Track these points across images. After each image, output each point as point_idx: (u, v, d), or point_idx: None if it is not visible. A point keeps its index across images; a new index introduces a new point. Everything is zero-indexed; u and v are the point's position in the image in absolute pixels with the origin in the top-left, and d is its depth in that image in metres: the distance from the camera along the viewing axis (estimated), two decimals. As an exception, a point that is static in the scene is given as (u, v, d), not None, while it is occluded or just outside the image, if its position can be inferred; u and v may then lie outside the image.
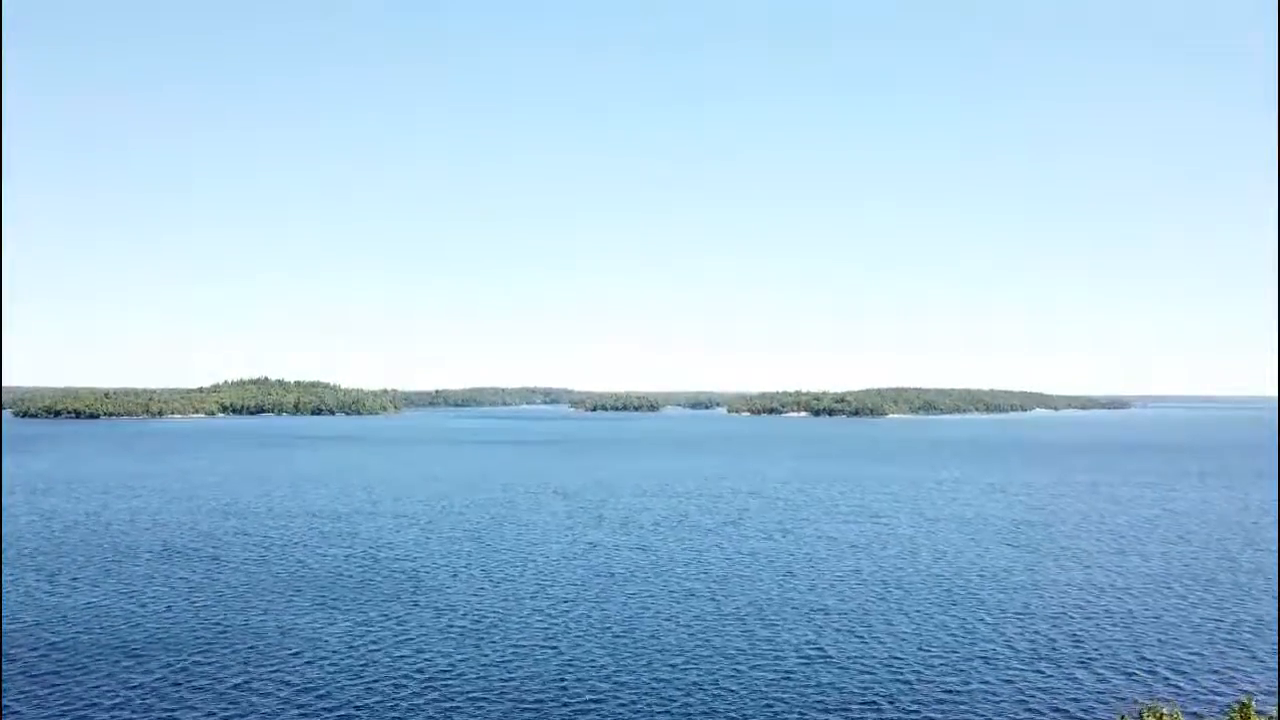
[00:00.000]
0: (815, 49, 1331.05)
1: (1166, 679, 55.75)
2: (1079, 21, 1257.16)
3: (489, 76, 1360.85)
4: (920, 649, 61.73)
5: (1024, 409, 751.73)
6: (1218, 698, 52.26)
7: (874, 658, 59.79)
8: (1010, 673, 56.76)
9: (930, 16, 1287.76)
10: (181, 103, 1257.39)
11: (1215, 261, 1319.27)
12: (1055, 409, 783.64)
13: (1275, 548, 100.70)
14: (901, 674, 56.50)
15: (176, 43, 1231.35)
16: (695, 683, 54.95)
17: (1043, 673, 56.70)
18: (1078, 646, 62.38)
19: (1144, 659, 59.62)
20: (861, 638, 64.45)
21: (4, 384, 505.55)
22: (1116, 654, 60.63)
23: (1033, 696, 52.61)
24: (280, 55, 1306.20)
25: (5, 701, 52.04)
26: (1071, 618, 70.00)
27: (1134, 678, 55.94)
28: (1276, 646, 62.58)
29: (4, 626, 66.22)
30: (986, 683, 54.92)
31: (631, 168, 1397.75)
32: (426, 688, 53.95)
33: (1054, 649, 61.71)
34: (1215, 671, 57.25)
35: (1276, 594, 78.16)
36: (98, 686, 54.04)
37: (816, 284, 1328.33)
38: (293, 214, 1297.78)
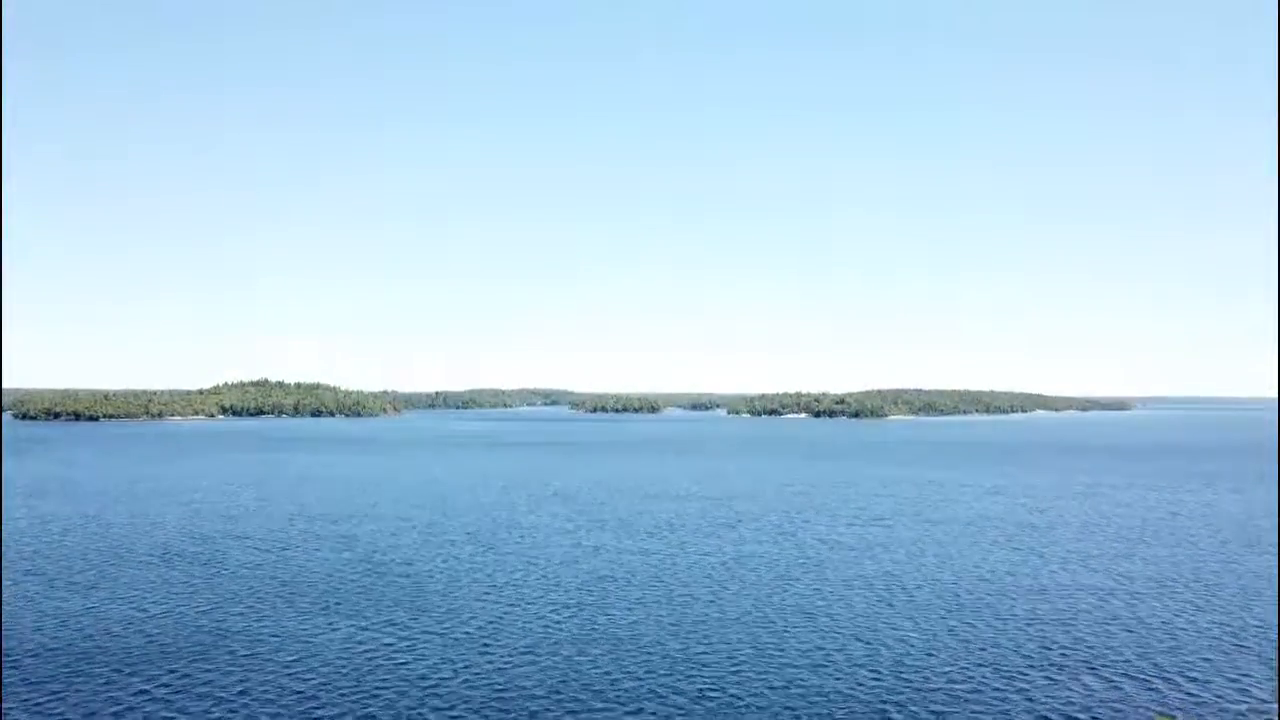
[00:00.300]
0: (816, 54, 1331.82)
1: (1178, 685, 55.16)
2: (1082, 27, 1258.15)
3: (489, 79, 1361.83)
4: (927, 654, 61.14)
5: (1025, 410, 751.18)
6: (1231, 706, 51.70)
7: (880, 663, 59.21)
8: (1020, 679, 56.16)
9: (932, 23, 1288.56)
10: (181, 107, 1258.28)
11: (1215, 262, 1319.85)
12: (1056, 410, 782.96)
13: (1276, 552, 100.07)
14: (910, 680, 55.91)
15: (176, 48, 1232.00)
16: (700, 690, 54.37)
17: (1053, 679, 56.10)
18: (1087, 652, 61.79)
19: (1155, 665, 59.01)
20: (867, 643, 63.86)
21: (4, 386, 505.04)
22: (1127, 660, 60.03)
23: (1043, 704, 52.03)
24: (280, 60, 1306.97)
25: (5, 708, 51.48)
26: (1079, 623, 69.41)
27: (1146, 684, 55.33)
28: (1277, 652, 62.09)
29: (3, 632, 65.60)
30: (996, 690, 54.33)
31: (631, 169, 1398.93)
32: (429, 694, 53.37)
33: (1063, 655, 61.12)
34: (1226, 679, 56.62)
35: (1276, 599, 77.66)
36: (96, 694, 53.45)
37: (817, 285, 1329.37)
38: (293, 216, 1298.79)
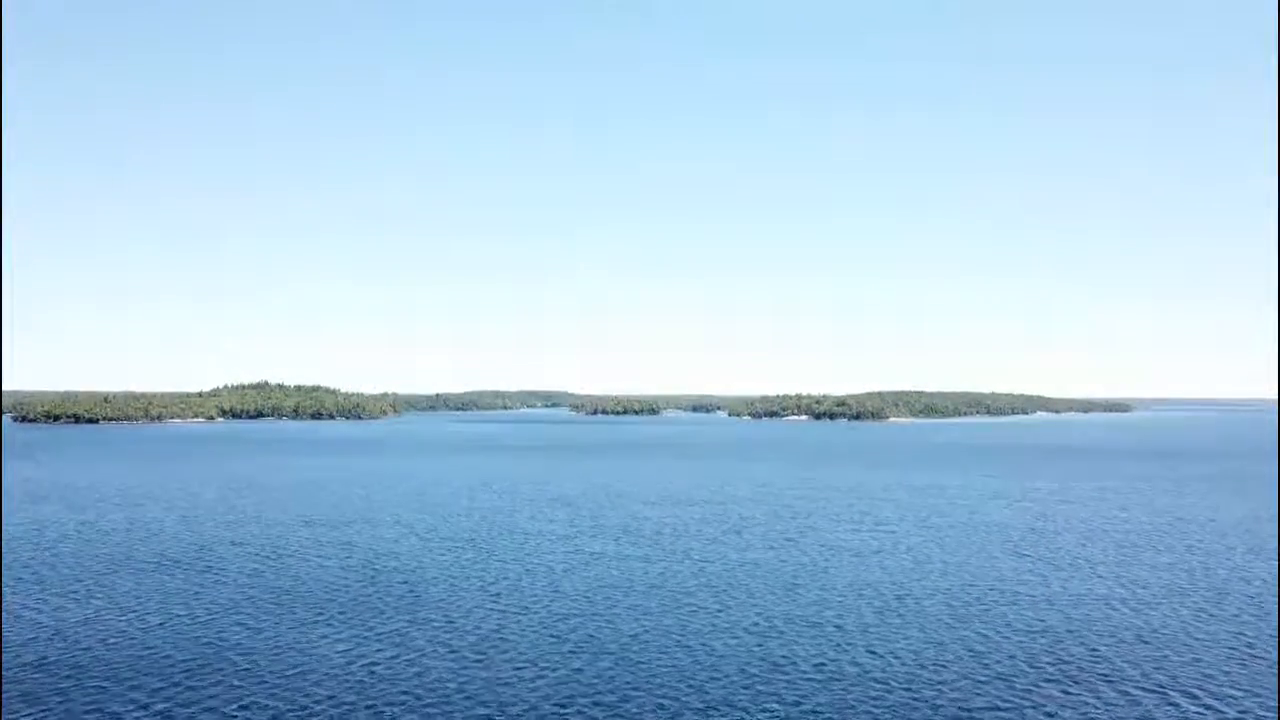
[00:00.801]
0: (815, 55, 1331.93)
1: (1196, 698, 54.02)
2: (1081, 29, 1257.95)
3: (488, 81, 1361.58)
4: (939, 666, 60.04)
5: (1025, 412, 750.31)
6: (1251, 720, 50.64)
7: (892, 676, 58.10)
8: (1035, 692, 55.02)
9: (932, 25, 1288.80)
10: (182, 110, 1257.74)
11: (1215, 263, 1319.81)
12: (1057, 412, 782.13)
13: (1277, 557, 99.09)
14: (922, 694, 54.79)
15: (176, 50, 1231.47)
16: (707, 703, 53.26)
17: (1068, 691, 54.97)
18: (1102, 664, 60.68)
19: (1171, 677, 57.80)
20: (878, 654, 62.74)
21: (4, 388, 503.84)
22: (1145, 672, 58.84)
23: (1058, 716, 50.91)
24: (281, 64, 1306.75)
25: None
26: (1090, 633, 68.26)
27: (1164, 697, 54.17)
28: (1276, 658, 61.31)
29: (2, 643, 64.55)
30: (1011, 703, 53.18)
31: (631, 171, 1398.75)
32: (431, 707, 52.26)
33: (1079, 667, 59.96)
34: (1244, 690, 55.53)
35: (1276, 604, 76.80)
36: (93, 707, 52.35)
37: (817, 287, 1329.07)
38: (293, 218, 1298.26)
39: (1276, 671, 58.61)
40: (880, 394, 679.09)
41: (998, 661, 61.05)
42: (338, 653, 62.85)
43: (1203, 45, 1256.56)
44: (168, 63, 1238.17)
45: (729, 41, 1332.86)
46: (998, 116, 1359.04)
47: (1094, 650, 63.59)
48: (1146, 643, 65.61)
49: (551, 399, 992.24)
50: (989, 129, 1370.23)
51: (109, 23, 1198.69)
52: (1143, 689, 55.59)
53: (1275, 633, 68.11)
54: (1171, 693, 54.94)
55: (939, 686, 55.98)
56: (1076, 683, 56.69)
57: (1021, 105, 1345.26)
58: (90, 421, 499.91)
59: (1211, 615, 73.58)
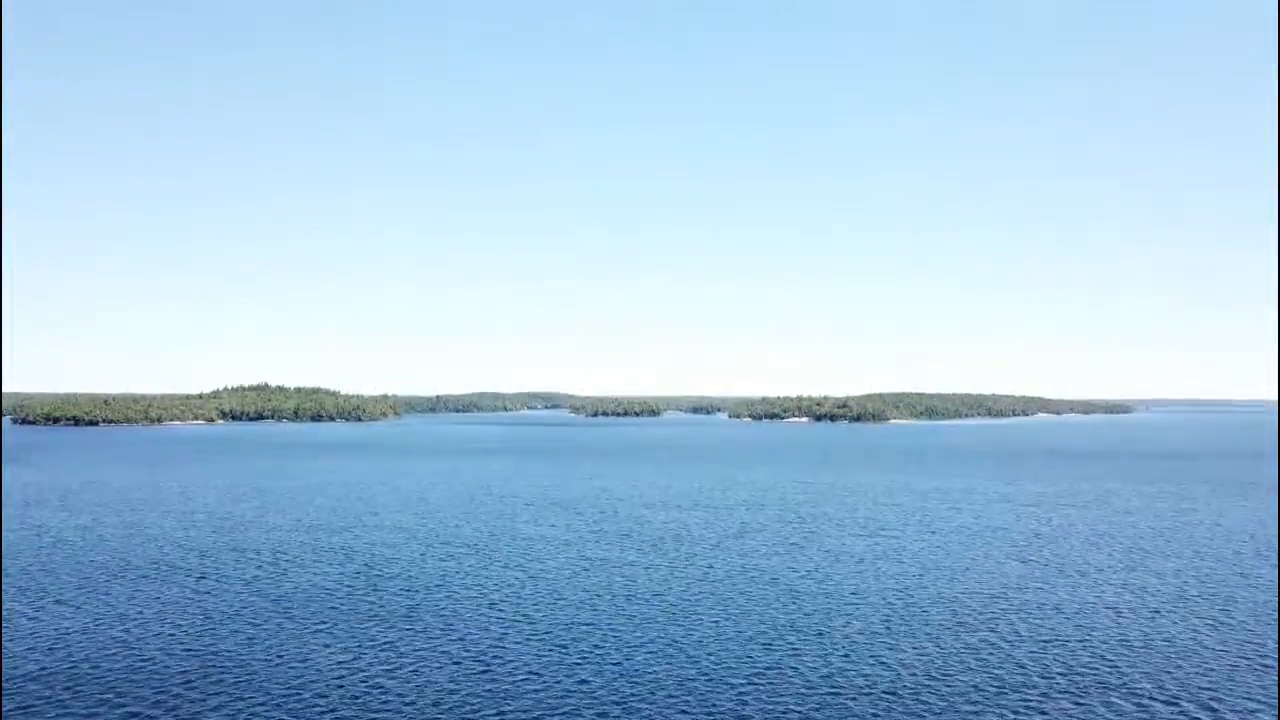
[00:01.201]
0: (816, 54, 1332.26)
1: (1213, 710, 53.09)
2: (1078, 25, 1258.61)
3: (488, 82, 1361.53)
4: (947, 676, 59.11)
5: (1026, 413, 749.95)
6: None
7: (897, 686, 57.19)
8: (1047, 703, 54.14)
9: (933, 27, 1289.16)
10: (182, 112, 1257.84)
11: (1215, 263, 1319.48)
12: (1058, 413, 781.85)
13: (1277, 561, 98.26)
14: (931, 705, 53.90)
15: (179, 52, 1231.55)
16: (708, 716, 52.38)
17: (1079, 703, 54.10)
18: (1111, 672, 59.77)
19: (1185, 688, 56.87)
20: (884, 663, 61.86)
21: (4, 390, 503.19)
22: (1157, 682, 57.87)
23: (1071, 730, 50.07)
24: (284, 66, 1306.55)
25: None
26: (1100, 642, 67.33)
27: (1179, 709, 53.28)
28: (1276, 662, 60.52)
29: (2, 653, 63.67)
30: (1018, 714, 52.35)
31: (631, 171, 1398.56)
32: (433, 721, 51.46)
33: (1089, 676, 59.06)
34: (1258, 701, 54.67)
35: (1277, 607, 75.85)
36: (91, 718, 51.58)
37: (818, 288, 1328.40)
38: (293, 220, 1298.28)
39: (1277, 679, 57.82)
40: (881, 395, 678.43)
41: (1008, 672, 60.11)
42: (337, 662, 61.98)
43: (1203, 46, 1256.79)
44: (168, 63, 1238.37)
45: (728, 41, 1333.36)
46: (998, 117, 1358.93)
47: (1105, 659, 62.67)
48: (1159, 652, 64.69)
49: (551, 400, 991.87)
50: (990, 130, 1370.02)
51: (109, 23, 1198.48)
52: (1156, 700, 54.68)
53: (1277, 639, 67.40)
54: (1185, 704, 54.04)
55: (949, 698, 55.08)
56: (1089, 694, 55.79)
57: (1021, 106, 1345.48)
58: (90, 424, 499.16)
59: (1223, 623, 72.66)
